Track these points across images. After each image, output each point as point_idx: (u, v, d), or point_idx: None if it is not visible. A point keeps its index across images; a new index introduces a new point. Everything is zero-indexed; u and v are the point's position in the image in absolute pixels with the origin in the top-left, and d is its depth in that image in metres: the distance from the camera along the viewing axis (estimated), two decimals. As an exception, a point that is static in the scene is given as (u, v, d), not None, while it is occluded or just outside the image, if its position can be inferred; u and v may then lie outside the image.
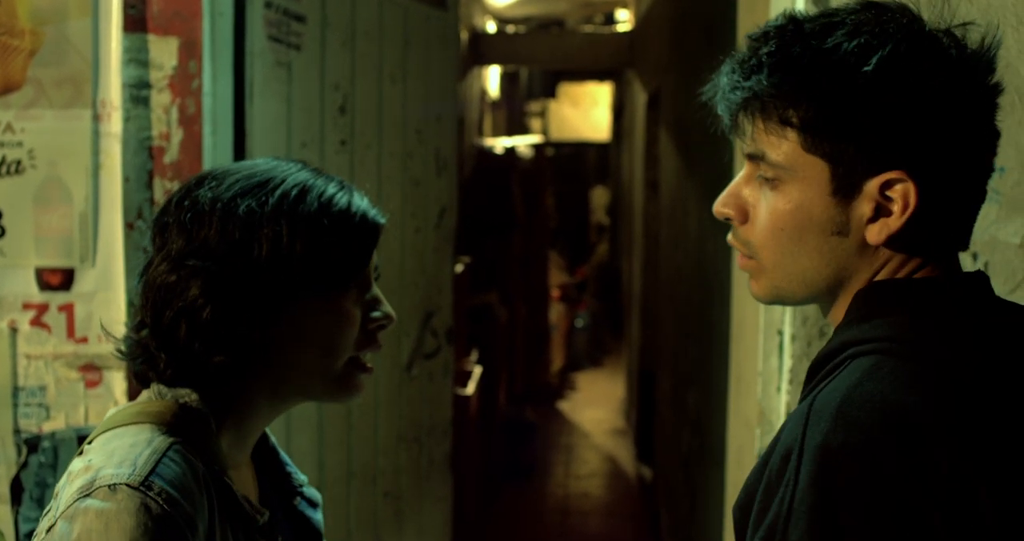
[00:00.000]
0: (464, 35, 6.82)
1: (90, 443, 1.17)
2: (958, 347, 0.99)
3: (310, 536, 1.42)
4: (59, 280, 2.14)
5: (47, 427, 2.15)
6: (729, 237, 1.15)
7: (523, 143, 8.68)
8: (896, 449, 0.92)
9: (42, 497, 2.14)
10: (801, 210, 1.05)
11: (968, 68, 1.02)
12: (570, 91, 13.38)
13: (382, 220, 1.30)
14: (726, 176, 2.79)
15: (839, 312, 1.10)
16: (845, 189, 1.03)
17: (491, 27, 9.01)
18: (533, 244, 8.54)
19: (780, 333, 1.96)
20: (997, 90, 1.05)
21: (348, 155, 2.80)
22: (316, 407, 2.69)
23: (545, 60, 9.07)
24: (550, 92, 12.48)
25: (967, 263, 1.68)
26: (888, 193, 1.01)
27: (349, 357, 1.28)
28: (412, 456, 3.28)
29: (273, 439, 1.44)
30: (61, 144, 2.13)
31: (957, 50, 1.02)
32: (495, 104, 9.68)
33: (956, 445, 0.93)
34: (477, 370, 5.49)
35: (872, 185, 1.01)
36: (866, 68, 0.98)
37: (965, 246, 1.09)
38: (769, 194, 1.08)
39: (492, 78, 9.28)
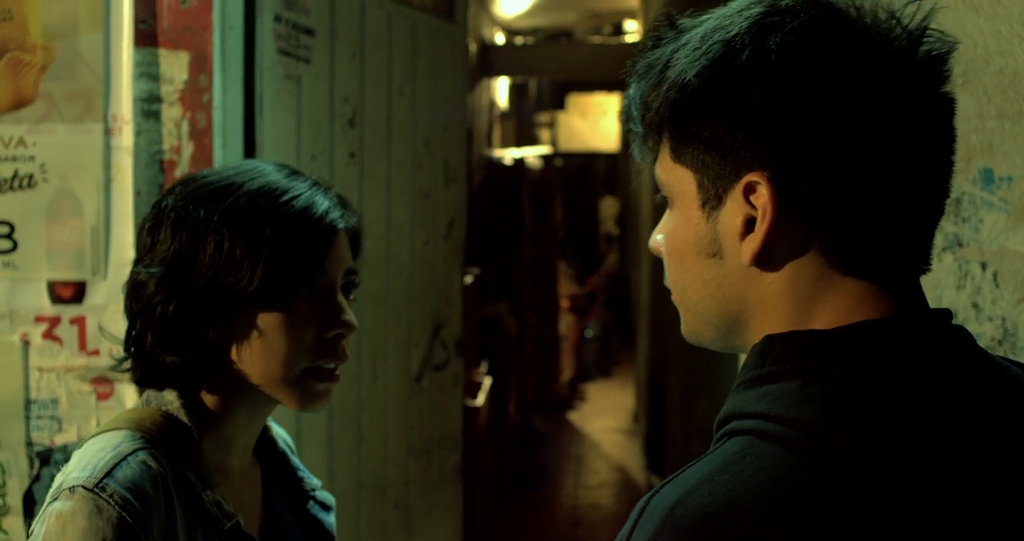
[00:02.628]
0: (473, 46, 6.84)
1: (79, 448, 1.21)
2: (857, 430, 0.76)
3: (323, 538, 1.44)
4: (71, 293, 2.15)
5: (59, 440, 2.16)
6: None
7: (532, 154, 8.70)
8: None
9: (54, 509, 2.15)
10: (678, 230, 0.90)
11: (858, 40, 0.82)
12: (579, 102, 13.40)
13: (342, 224, 1.29)
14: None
15: None
16: (711, 200, 0.87)
17: (500, 38, 9.04)
18: (542, 254, 8.55)
19: (789, 343, 1.96)
20: (923, 64, 0.83)
21: (358, 167, 2.82)
22: (326, 419, 2.70)
23: (553, 71, 9.09)
24: (559, 103, 12.51)
25: (975, 272, 1.68)
26: (752, 199, 0.84)
27: (306, 366, 1.27)
28: (422, 467, 3.28)
29: (283, 445, 1.46)
30: (72, 158, 2.14)
31: (843, 23, 0.83)
32: (504, 115, 9.69)
33: None
34: (487, 381, 5.49)
35: (735, 192, 0.84)
36: (708, 56, 0.84)
37: (921, 267, 0.87)
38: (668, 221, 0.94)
39: (501, 89, 9.30)
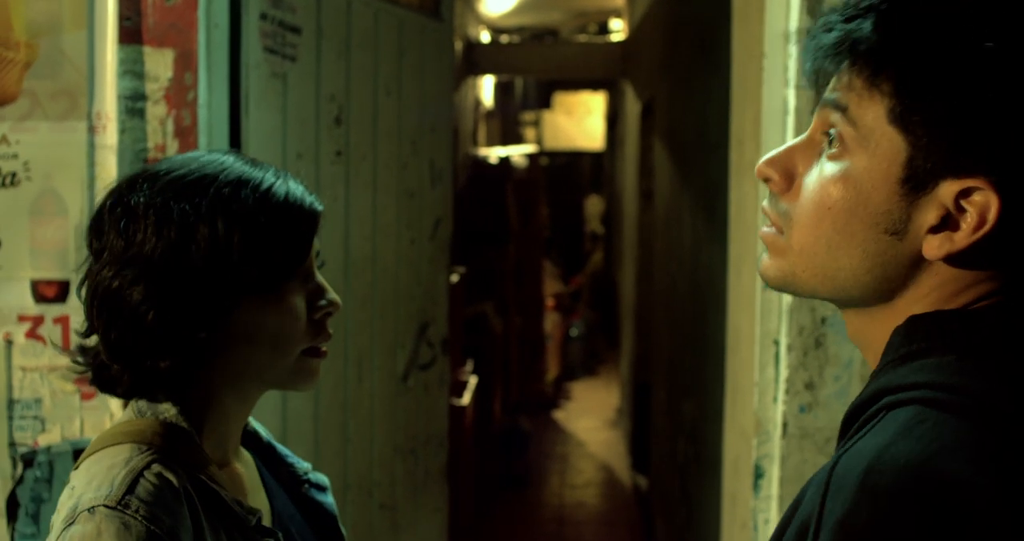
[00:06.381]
0: (458, 45, 6.83)
1: (77, 469, 1.18)
2: (1019, 395, 0.78)
3: (325, 519, 1.45)
4: (54, 292, 2.14)
5: (42, 440, 2.15)
6: (764, 204, 0.95)
7: (517, 152, 8.70)
8: (936, 529, 0.72)
9: (37, 513, 2.13)
10: (858, 191, 0.85)
11: None
12: (564, 100, 13.41)
13: (320, 207, 1.29)
14: (720, 187, 2.80)
15: (870, 333, 0.91)
16: (916, 181, 0.83)
17: (485, 37, 9.04)
18: (528, 253, 8.55)
19: (776, 343, 1.96)
20: None
21: (343, 166, 2.80)
22: (312, 420, 2.69)
23: (539, 70, 9.10)
24: (544, 101, 12.52)
25: None
26: (963, 202, 0.82)
27: (304, 347, 1.27)
28: (408, 468, 3.27)
29: (266, 435, 1.46)
30: (56, 156, 2.12)
31: None
32: (489, 113, 9.69)
33: (1017, 526, 0.72)
34: (472, 380, 5.49)
35: (947, 188, 0.82)
36: (993, 45, 0.78)
37: None
38: (827, 164, 0.88)
39: (486, 88, 9.29)
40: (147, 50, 2.16)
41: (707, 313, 3.51)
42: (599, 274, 12.12)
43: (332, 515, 1.45)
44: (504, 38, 9.81)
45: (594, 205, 13.70)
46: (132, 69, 2.15)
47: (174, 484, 1.13)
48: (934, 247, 0.83)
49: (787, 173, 0.92)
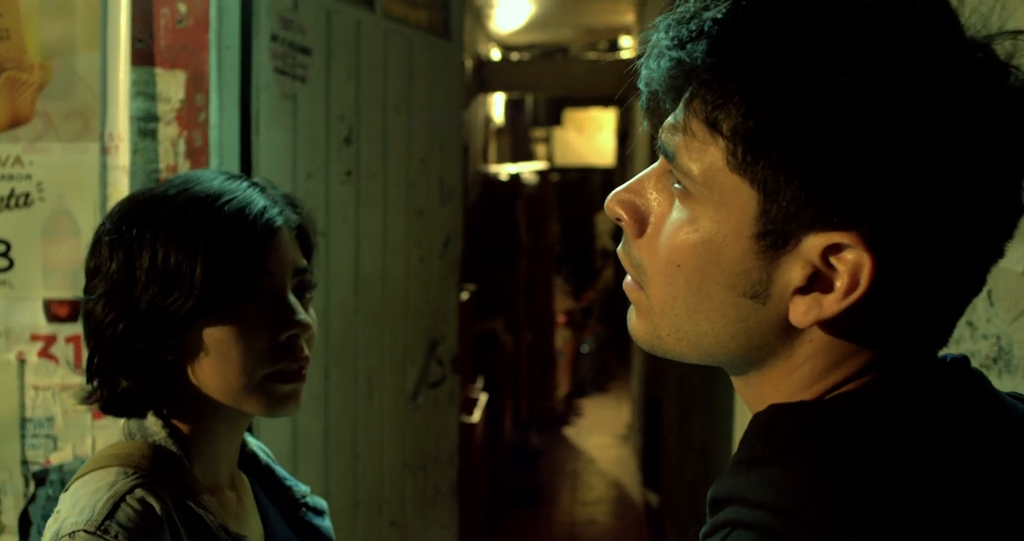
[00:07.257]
0: (469, 63, 6.86)
1: (66, 491, 1.19)
2: (878, 530, 0.65)
3: None
4: (67, 312, 2.16)
5: (55, 458, 2.16)
6: (619, 250, 0.81)
7: (528, 169, 8.71)
8: None
9: (49, 529, 2.15)
10: (708, 248, 0.72)
11: (1009, 101, 0.67)
12: (575, 117, 13.43)
13: (279, 222, 1.24)
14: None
15: (749, 400, 0.79)
16: (774, 236, 0.69)
17: (496, 54, 9.07)
18: (538, 270, 8.55)
19: (784, 361, 1.97)
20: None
21: (353, 185, 2.82)
22: (322, 436, 2.70)
23: (549, 87, 9.10)
24: (555, 118, 12.53)
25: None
26: (833, 260, 0.68)
27: (266, 372, 1.23)
28: (418, 485, 3.28)
29: (265, 457, 1.45)
30: (69, 177, 2.14)
31: (998, 75, 0.67)
32: (500, 131, 9.71)
33: None
34: (483, 397, 5.49)
35: (813, 244, 0.68)
36: (847, 75, 0.65)
37: (943, 343, 0.75)
38: (677, 209, 0.75)
39: (497, 105, 9.32)
40: (159, 71, 2.18)
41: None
42: (610, 290, 12.11)
43: (328, 539, 1.44)
44: (515, 56, 9.84)
45: (605, 221, 13.69)
46: (144, 90, 2.18)
47: (156, 510, 1.13)
48: (801, 312, 0.70)
49: (638, 215, 0.78)
